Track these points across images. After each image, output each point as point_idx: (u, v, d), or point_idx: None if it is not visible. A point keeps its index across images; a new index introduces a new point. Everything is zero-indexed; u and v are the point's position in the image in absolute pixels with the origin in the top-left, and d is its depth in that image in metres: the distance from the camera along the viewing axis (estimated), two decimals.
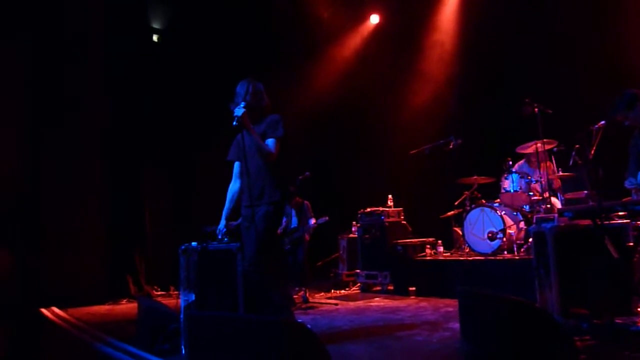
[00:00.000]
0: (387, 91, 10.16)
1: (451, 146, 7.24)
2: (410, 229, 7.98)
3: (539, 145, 6.38)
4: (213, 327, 3.42)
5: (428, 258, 7.36)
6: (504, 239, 6.54)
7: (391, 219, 7.78)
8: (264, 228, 4.11)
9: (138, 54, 8.70)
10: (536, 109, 6.08)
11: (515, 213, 6.88)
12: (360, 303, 6.64)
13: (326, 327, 5.06)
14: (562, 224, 4.34)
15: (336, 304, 6.60)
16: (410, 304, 6.24)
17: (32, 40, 7.25)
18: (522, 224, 6.76)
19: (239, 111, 4.02)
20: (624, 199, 4.18)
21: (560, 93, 7.32)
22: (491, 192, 7.31)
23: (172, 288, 8.29)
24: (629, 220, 4.28)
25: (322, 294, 7.70)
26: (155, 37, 9.42)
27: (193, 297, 4.18)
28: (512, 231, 6.63)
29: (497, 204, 6.94)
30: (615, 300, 4.06)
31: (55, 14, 7.54)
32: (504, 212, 6.76)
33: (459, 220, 7.51)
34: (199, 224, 4.95)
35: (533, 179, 6.73)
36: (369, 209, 7.99)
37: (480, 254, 6.72)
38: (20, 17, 7.13)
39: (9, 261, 6.28)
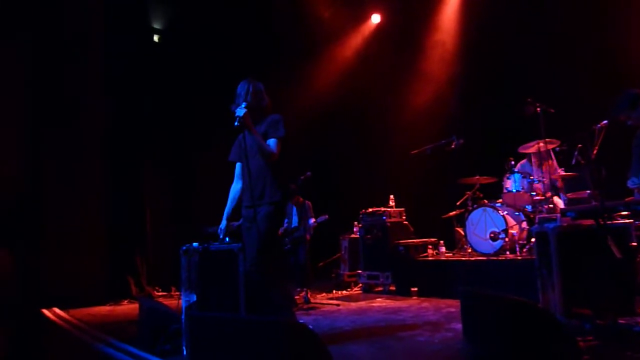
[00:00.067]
0: (388, 91, 10.14)
1: (453, 146, 7.21)
2: (412, 229, 7.96)
3: (541, 144, 6.36)
4: (214, 328, 3.42)
5: (430, 258, 7.34)
6: (506, 239, 6.52)
7: (393, 219, 7.76)
8: (265, 228, 4.10)
9: (138, 54, 8.69)
10: (538, 109, 6.06)
11: (517, 213, 6.85)
12: (362, 303, 6.62)
13: (328, 328, 5.05)
14: (565, 224, 4.33)
15: (338, 305, 6.58)
16: (412, 305, 6.22)
17: (32, 40, 7.24)
18: (524, 224, 6.74)
19: (240, 111, 4.01)
20: (626, 199, 4.18)
21: (562, 92, 7.30)
22: (493, 192, 7.29)
23: (173, 289, 8.28)
24: (632, 220, 4.27)
25: (324, 294, 7.68)
26: (155, 37, 9.41)
27: (194, 297, 4.17)
28: (515, 231, 6.61)
29: (499, 204, 6.92)
30: (618, 301, 4.06)
31: (55, 14, 7.54)
32: (506, 212, 6.74)
33: (461, 220, 7.49)
34: (200, 225, 4.95)
35: (535, 179, 6.71)
36: (370, 209, 7.97)
37: (483, 254, 6.70)
38: (20, 17, 7.12)
39: (9, 261, 6.27)
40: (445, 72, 9.59)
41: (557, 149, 6.52)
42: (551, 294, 4.25)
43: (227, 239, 4.34)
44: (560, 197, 6.66)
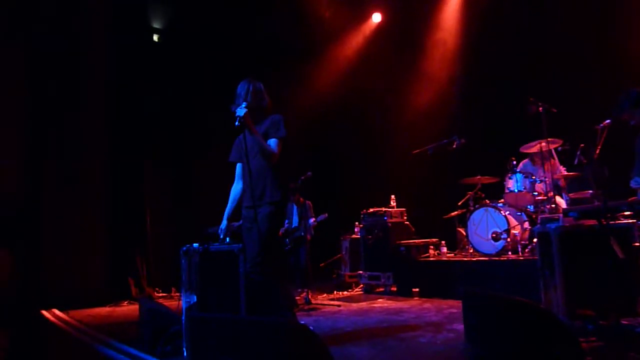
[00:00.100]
0: (389, 90, 10.13)
1: (454, 146, 7.19)
2: (413, 229, 7.94)
3: (543, 144, 6.33)
4: (215, 329, 3.42)
5: (431, 259, 7.32)
6: (508, 240, 6.50)
7: (394, 220, 7.73)
8: (266, 229, 4.09)
9: (138, 54, 8.66)
10: (540, 108, 6.04)
11: (519, 213, 6.83)
12: (363, 304, 6.60)
13: (329, 329, 5.03)
14: (567, 224, 4.30)
15: (339, 306, 6.56)
16: (413, 305, 6.20)
17: (32, 40, 7.22)
18: (526, 224, 6.71)
19: (240, 111, 3.99)
20: (629, 199, 4.14)
21: (564, 91, 7.28)
22: (495, 192, 7.27)
23: (173, 289, 8.26)
24: (634, 220, 4.25)
25: (325, 295, 7.66)
26: (155, 37, 9.39)
27: (195, 298, 4.16)
28: (517, 231, 6.59)
29: (501, 204, 6.90)
30: (621, 301, 4.04)
31: (56, 14, 7.52)
32: (508, 212, 6.72)
33: (463, 220, 7.46)
34: (200, 225, 4.93)
35: (537, 179, 6.68)
36: (371, 210, 7.94)
37: (484, 255, 6.68)
38: (20, 17, 7.11)
39: (9, 262, 6.26)
40: (447, 72, 9.58)
41: (560, 148, 6.49)
42: (553, 294, 4.23)
43: (227, 239, 4.33)
44: (562, 197, 6.63)
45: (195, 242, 4.27)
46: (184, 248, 4.28)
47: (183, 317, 4.06)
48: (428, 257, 7.40)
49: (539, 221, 5.34)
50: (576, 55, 7.71)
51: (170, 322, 4.30)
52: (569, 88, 7.44)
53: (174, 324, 4.24)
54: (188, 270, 4.23)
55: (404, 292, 7.04)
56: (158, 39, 9.42)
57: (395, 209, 7.93)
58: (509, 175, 6.90)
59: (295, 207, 8.27)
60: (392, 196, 8.11)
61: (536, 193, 6.63)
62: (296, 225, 8.22)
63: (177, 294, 7.89)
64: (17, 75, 7.08)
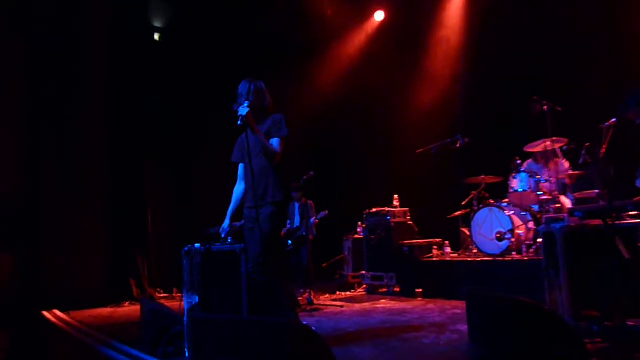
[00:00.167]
0: (392, 89, 10.08)
1: (458, 145, 7.17)
2: (416, 229, 7.90)
3: (547, 143, 6.29)
4: (216, 329, 3.42)
5: (435, 259, 7.29)
6: (513, 239, 6.46)
7: (397, 219, 7.70)
8: (268, 229, 4.10)
9: (138, 54, 8.65)
10: (545, 107, 6.01)
11: (523, 213, 6.79)
12: (365, 305, 6.58)
13: (331, 329, 5.02)
14: (572, 224, 4.29)
15: (341, 306, 6.54)
16: (416, 306, 6.18)
17: (32, 40, 7.21)
18: (530, 224, 6.68)
19: (243, 110, 3.99)
20: (635, 198, 4.12)
21: (569, 90, 7.25)
22: (499, 192, 7.23)
23: (175, 290, 8.25)
24: None
25: (327, 295, 7.64)
26: (156, 36, 9.37)
27: (196, 299, 4.15)
28: (521, 231, 6.55)
29: (505, 204, 6.86)
30: (626, 302, 4.02)
31: (55, 13, 7.50)
32: (512, 211, 6.69)
33: (466, 220, 7.44)
34: (201, 225, 4.92)
35: (542, 178, 6.64)
36: (374, 209, 7.91)
37: (488, 255, 6.65)
38: (20, 17, 7.09)
39: (9, 263, 6.25)
40: (450, 70, 9.54)
41: (565, 147, 6.45)
42: (558, 295, 4.21)
43: (229, 239, 4.31)
44: (567, 197, 6.59)
45: (197, 242, 4.25)
46: (186, 248, 4.26)
47: (184, 318, 4.05)
48: (431, 257, 7.37)
49: (543, 221, 5.29)
50: (581, 53, 7.68)
51: (171, 322, 4.29)
52: (574, 86, 7.41)
53: (176, 324, 4.23)
54: (189, 271, 4.21)
55: (407, 293, 7.01)
56: (159, 37, 9.39)
57: (398, 209, 7.89)
58: (513, 174, 6.87)
59: (296, 207, 8.27)
60: (395, 196, 8.08)
61: (540, 192, 6.59)
62: (297, 224, 8.20)
63: (179, 294, 7.89)
64: (17, 75, 7.07)
